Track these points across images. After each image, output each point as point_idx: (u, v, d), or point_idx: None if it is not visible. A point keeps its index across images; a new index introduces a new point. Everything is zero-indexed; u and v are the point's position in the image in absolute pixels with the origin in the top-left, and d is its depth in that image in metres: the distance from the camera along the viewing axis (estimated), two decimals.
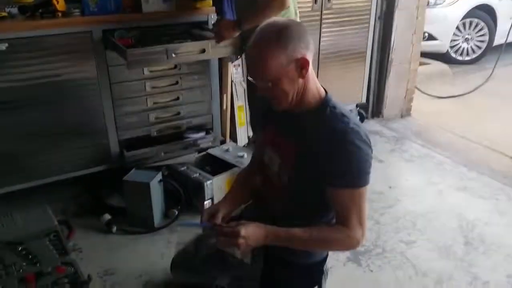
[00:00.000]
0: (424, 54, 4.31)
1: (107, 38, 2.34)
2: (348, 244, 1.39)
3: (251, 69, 1.37)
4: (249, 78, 1.39)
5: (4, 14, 2.28)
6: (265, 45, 1.28)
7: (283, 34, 1.28)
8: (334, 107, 1.39)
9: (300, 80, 1.33)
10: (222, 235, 1.32)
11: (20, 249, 1.92)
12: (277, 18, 1.43)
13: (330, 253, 1.73)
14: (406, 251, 2.20)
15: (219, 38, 2.24)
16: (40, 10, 2.30)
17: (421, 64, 3.99)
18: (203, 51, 2.27)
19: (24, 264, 1.84)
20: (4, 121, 2.25)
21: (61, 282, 1.76)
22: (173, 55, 2.19)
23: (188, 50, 2.25)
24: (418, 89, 4.12)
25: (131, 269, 2.02)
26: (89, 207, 2.47)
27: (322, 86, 1.45)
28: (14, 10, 2.34)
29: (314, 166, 1.37)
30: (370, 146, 1.37)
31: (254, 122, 2.51)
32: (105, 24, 2.35)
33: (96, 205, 2.48)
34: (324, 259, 1.64)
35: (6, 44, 2.15)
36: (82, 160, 2.51)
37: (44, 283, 1.74)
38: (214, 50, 2.30)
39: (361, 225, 1.37)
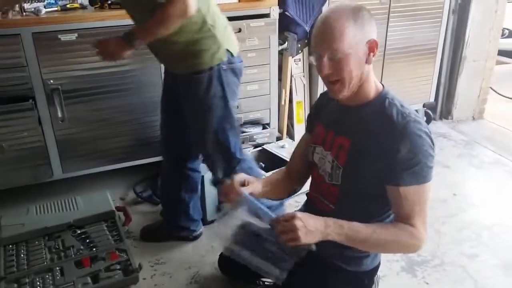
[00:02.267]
0: (502, 53, 3.98)
1: None
2: (413, 244, 1.30)
3: (321, 41, 1.27)
4: (311, 58, 1.33)
5: (76, 5, 2.39)
6: (343, 19, 1.24)
7: (359, 15, 1.26)
8: (393, 99, 1.34)
9: (366, 66, 1.29)
10: (281, 228, 1.23)
11: (79, 232, 2.03)
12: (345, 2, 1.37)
13: (383, 261, 1.66)
14: (467, 265, 2.05)
15: (105, 57, 1.76)
16: (109, 1, 2.37)
17: (498, 63, 3.70)
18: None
19: (81, 247, 1.93)
20: (72, 108, 2.34)
21: (113, 268, 1.81)
22: None
23: None
24: (493, 90, 3.81)
25: (181, 260, 2.05)
26: (146, 195, 2.54)
27: (380, 83, 1.39)
28: (86, 1, 2.43)
29: (371, 162, 1.31)
30: (431, 139, 1.29)
31: None
32: None
33: (153, 194, 2.54)
34: (375, 269, 1.57)
35: (76, 35, 2.24)
36: (142, 150, 2.57)
37: (98, 268, 1.80)
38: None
39: (424, 226, 1.30)
